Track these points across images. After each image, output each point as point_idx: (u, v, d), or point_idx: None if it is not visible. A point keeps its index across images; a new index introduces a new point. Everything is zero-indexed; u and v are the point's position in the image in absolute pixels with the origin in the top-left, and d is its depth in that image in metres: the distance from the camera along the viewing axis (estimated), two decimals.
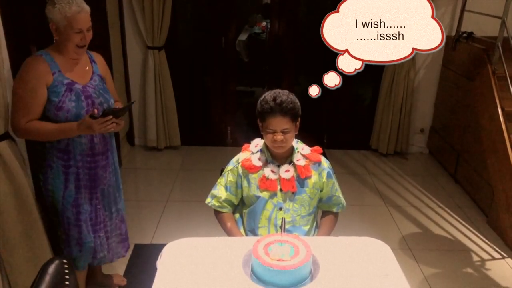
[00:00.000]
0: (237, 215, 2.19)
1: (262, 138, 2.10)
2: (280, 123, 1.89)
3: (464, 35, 3.97)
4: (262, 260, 1.58)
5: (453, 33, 4.14)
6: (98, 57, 2.25)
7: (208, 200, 2.14)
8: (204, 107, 4.70)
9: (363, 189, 3.94)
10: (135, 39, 4.21)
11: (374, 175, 4.20)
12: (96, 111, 2.02)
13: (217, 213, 2.15)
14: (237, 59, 5.80)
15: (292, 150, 2.03)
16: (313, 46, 4.93)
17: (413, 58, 4.23)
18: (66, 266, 1.49)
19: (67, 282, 1.47)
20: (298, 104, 1.96)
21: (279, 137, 1.90)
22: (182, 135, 4.55)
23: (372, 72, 4.51)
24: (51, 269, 1.46)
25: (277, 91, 1.95)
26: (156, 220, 3.31)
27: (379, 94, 4.46)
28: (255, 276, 1.61)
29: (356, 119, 4.81)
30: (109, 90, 2.22)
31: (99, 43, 3.58)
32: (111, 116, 1.98)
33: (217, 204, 2.11)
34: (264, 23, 6.58)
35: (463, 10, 3.92)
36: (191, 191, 3.72)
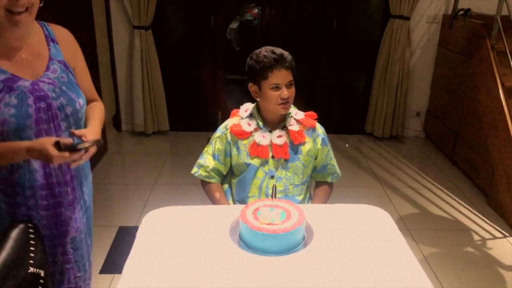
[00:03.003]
0: (226, 186, 2.05)
1: (252, 102, 1.96)
2: (284, 75, 1.76)
3: (461, 12, 3.85)
4: (251, 224, 1.43)
5: (450, 12, 4.02)
6: (62, 34, 1.50)
7: (195, 170, 1.99)
8: (194, 91, 4.53)
9: (358, 172, 3.81)
10: (120, 17, 4.03)
11: (370, 158, 4.07)
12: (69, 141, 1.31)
13: (204, 183, 2.00)
14: (229, 47, 5.66)
15: (285, 114, 1.89)
16: (306, 32, 4.81)
17: (409, 37, 4.12)
18: (31, 230, 1.34)
19: (32, 248, 1.31)
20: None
21: (286, 92, 1.76)
22: (171, 119, 4.40)
23: (367, 53, 4.38)
24: (14, 233, 1.30)
25: (268, 46, 1.81)
26: (142, 203, 3.15)
27: (374, 75, 4.33)
28: (243, 242, 1.46)
29: (350, 103, 4.67)
30: (79, 84, 1.50)
31: (81, 21, 3.45)
32: (83, 152, 1.32)
33: (204, 174, 1.96)
34: (255, 10, 6.44)
35: None
36: (179, 175, 3.56)
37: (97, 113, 1.55)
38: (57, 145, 1.26)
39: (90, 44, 3.63)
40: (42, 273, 1.32)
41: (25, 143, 1.30)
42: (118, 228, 2.83)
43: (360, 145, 4.37)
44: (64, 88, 1.41)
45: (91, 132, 1.41)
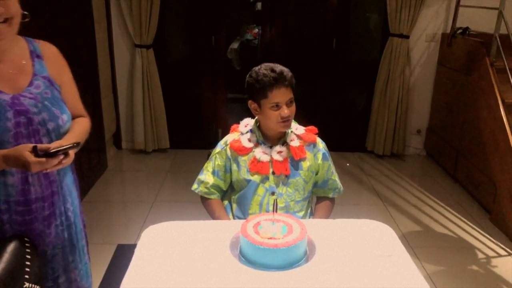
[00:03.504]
0: (225, 202, 2.02)
1: (252, 117, 1.95)
2: (284, 93, 1.73)
3: (460, 30, 3.88)
4: (251, 238, 1.41)
5: (448, 30, 4.06)
6: (48, 50, 1.49)
7: (195, 186, 1.97)
8: (195, 109, 4.54)
9: (359, 189, 3.78)
10: (122, 36, 4.07)
11: (371, 176, 4.04)
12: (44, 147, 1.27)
13: (204, 199, 1.98)
14: (230, 67, 5.69)
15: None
16: (306, 51, 4.86)
17: (408, 55, 4.15)
18: (27, 245, 1.31)
19: (28, 263, 1.28)
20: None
21: (287, 111, 1.73)
22: (171, 137, 4.39)
23: (366, 71, 4.40)
24: (10, 248, 1.28)
25: (267, 63, 1.78)
26: (141, 220, 3.11)
27: (374, 93, 4.34)
28: (244, 257, 1.43)
29: (350, 120, 4.68)
30: (65, 100, 1.47)
31: (83, 39, 3.47)
32: (62, 156, 1.30)
33: (204, 190, 1.94)
34: (256, 30, 6.51)
35: (458, 5, 3.84)
36: (179, 192, 3.53)
37: (78, 125, 1.52)
38: (35, 151, 1.23)
39: (91, 62, 3.65)
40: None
41: (2, 151, 1.26)
42: (117, 246, 2.78)
43: (361, 162, 4.35)
44: (47, 103, 1.38)
45: (68, 140, 1.37)
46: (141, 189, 3.68)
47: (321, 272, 1.38)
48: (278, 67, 1.75)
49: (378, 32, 4.45)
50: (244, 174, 1.86)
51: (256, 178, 1.84)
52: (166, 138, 4.37)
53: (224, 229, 1.60)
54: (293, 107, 1.79)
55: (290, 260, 1.40)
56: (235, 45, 6.37)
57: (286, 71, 1.75)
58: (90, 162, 3.55)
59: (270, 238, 1.42)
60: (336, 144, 4.41)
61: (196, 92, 4.50)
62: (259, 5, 5.92)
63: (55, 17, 2.91)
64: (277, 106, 1.73)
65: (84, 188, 3.42)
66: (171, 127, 4.37)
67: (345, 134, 4.59)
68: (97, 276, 2.49)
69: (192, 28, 4.39)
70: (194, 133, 4.56)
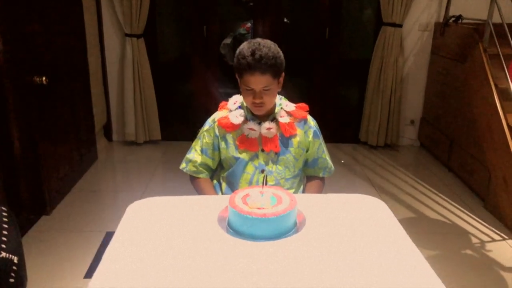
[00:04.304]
0: (214, 182, 1.97)
1: (241, 94, 1.90)
2: (258, 81, 1.64)
3: (453, 18, 3.86)
4: (239, 208, 1.36)
5: (441, 20, 4.04)
6: None
7: (183, 165, 1.92)
8: (187, 100, 4.48)
9: (353, 178, 3.74)
10: (112, 25, 4.01)
11: (364, 165, 4.01)
12: None
13: (193, 179, 1.93)
14: (222, 62, 5.64)
15: (274, 106, 1.82)
16: (298, 42, 4.82)
17: (401, 44, 4.12)
18: (4, 214, 1.26)
19: (5, 232, 1.23)
20: (281, 57, 1.70)
21: (258, 99, 1.66)
22: (162, 129, 4.33)
23: (360, 61, 4.37)
24: None
25: (257, 41, 1.67)
26: None
27: (367, 83, 4.31)
28: (232, 229, 1.39)
29: (343, 111, 4.64)
30: None
31: (73, 28, 3.41)
32: None
33: (192, 169, 1.89)
34: (248, 24, 6.48)
35: None
36: (170, 182, 3.48)
37: None
38: None
39: (80, 51, 3.59)
40: (15, 259, 1.23)
41: None
42: (106, 233, 2.73)
43: (355, 153, 4.32)
44: None
45: None
46: (131, 179, 3.63)
47: (312, 242, 1.33)
48: (262, 51, 1.62)
49: (371, 22, 4.42)
50: (233, 152, 1.81)
51: (244, 156, 1.80)
52: (157, 130, 4.31)
53: (212, 204, 1.55)
54: (271, 94, 1.69)
55: (279, 230, 1.35)
56: (228, 40, 6.33)
57: (268, 57, 1.62)
58: (79, 152, 3.49)
59: (259, 209, 1.37)
60: (330, 135, 4.36)
61: (187, 83, 4.45)
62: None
63: (43, 4, 2.84)
64: (251, 90, 1.67)
65: (73, 178, 3.36)
66: (163, 119, 4.32)
67: (339, 125, 4.55)
68: (86, 262, 2.44)
69: (184, 18, 4.34)
70: (186, 124, 4.50)
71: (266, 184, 1.52)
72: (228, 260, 1.25)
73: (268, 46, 1.66)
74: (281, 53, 1.70)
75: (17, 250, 1.25)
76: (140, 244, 1.33)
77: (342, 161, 4.11)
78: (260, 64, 1.62)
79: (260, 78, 1.64)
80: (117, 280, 1.17)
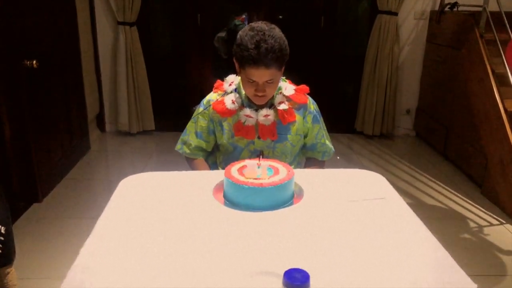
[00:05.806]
0: (210, 163, 1.93)
1: (237, 74, 1.81)
2: (263, 74, 1.52)
3: (448, 6, 3.84)
4: (235, 179, 1.32)
5: (437, 7, 4.02)
6: None
7: (178, 147, 1.88)
8: (181, 90, 4.43)
9: (349, 167, 3.70)
10: (104, 13, 3.94)
11: (360, 154, 3.98)
12: None
13: (189, 160, 1.89)
14: (216, 55, 5.60)
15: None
16: (293, 30, 4.77)
17: (397, 33, 4.10)
18: None
19: None
20: (287, 46, 1.57)
21: (260, 92, 1.57)
22: (156, 119, 4.28)
23: (355, 50, 4.34)
24: None
25: (262, 30, 1.51)
26: None
27: (363, 72, 4.28)
28: (228, 200, 1.34)
29: (339, 101, 4.61)
30: None
31: (64, 17, 3.35)
32: None
33: (188, 151, 1.85)
34: (243, 16, 6.43)
35: None
36: (165, 169, 3.43)
37: None
38: None
39: (73, 40, 3.53)
40: (2, 229, 1.18)
41: None
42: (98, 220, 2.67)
43: (351, 143, 4.29)
44: None
45: None
46: (125, 168, 3.57)
47: (310, 213, 1.29)
48: (267, 42, 1.49)
49: (366, 10, 4.39)
50: (229, 139, 1.74)
51: (241, 143, 1.73)
52: (151, 120, 4.26)
53: (208, 178, 1.51)
54: (273, 86, 1.59)
55: (276, 201, 1.31)
56: (222, 33, 6.28)
57: (274, 50, 1.50)
58: (71, 140, 3.42)
59: (255, 179, 1.33)
60: (326, 125, 4.35)
61: (181, 73, 4.39)
62: None
63: None
64: (254, 82, 1.56)
65: (65, 167, 3.30)
66: (157, 109, 4.26)
67: (334, 115, 4.51)
68: (76, 249, 2.38)
69: (177, 6, 4.29)
70: (180, 115, 4.44)
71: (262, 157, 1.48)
72: (224, 231, 1.20)
73: (274, 36, 1.52)
74: (286, 41, 1.57)
75: (4, 220, 1.20)
76: (132, 217, 1.29)
77: (338, 157, 4.08)
78: (266, 58, 1.49)
79: (265, 71, 1.52)
80: (107, 253, 1.12)
